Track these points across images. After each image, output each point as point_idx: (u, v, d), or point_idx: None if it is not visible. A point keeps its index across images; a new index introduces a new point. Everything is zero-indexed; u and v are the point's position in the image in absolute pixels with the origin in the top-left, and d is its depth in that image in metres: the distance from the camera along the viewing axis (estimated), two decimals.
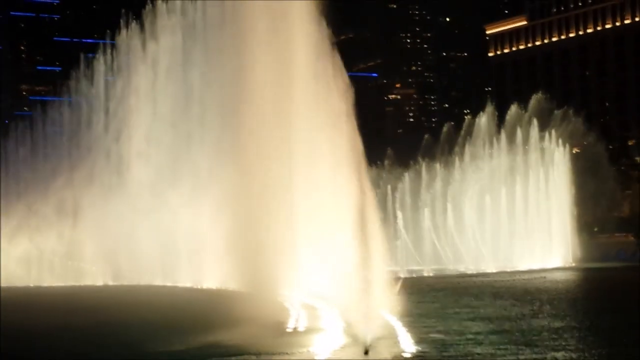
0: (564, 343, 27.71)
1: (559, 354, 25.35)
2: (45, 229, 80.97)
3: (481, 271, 76.25)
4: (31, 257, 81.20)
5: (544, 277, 64.35)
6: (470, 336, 29.27)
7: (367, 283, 27.70)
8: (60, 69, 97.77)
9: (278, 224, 29.15)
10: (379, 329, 27.38)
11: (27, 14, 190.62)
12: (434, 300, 32.27)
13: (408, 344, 26.80)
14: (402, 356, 25.61)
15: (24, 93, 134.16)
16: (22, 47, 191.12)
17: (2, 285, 69.97)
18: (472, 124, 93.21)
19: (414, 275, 67.31)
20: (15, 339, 32.86)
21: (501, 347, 26.72)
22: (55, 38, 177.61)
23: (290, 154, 29.28)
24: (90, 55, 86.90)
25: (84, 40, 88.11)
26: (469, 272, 75.76)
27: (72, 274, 78.25)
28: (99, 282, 72.41)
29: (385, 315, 27.56)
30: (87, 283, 73.93)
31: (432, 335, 28.45)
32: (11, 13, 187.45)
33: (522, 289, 53.19)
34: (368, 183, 27.75)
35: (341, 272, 27.67)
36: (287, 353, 25.56)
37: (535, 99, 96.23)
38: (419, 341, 27.30)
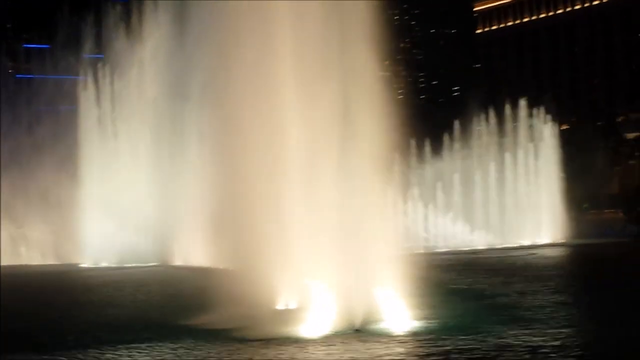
0: (562, 319, 27.46)
1: (557, 330, 25.08)
2: (32, 209, 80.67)
3: (470, 248, 76.13)
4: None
5: (534, 254, 64.28)
6: (466, 314, 28.98)
7: (359, 258, 27.40)
8: (48, 46, 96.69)
9: (267, 197, 28.63)
10: (371, 306, 27.02)
11: None
12: (428, 277, 32.08)
13: (401, 322, 26.46)
14: (393, 334, 25.32)
15: (10, 71, 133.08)
16: (8, 25, 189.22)
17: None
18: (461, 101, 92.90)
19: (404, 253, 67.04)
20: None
21: (498, 324, 26.41)
22: (43, 16, 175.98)
23: (281, 124, 28.72)
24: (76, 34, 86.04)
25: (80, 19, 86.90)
26: (459, 248, 75.63)
27: (61, 254, 77.87)
28: (87, 263, 71.83)
29: (379, 292, 27.18)
30: (71, 262, 73.32)
31: (425, 311, 28.12)
32: None
33: (514, 265, 53.12)
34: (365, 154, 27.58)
35: (334, 246, 27.31)
36: (276, 337, 25.21)
37: None
38: (412, 318, 26.97)
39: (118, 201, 72.16)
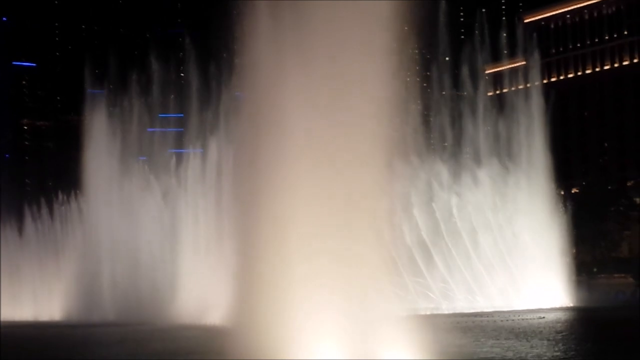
0: None
1: None
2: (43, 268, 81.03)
3: (477, 310, 75.58)
4: None
5: (543, 317, 63.77)
6: None
7: (366, 319, 27.22)
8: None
9: (273, 259, 28.56)
10: None
11: None
12: (438, 340, 31.59)
13: None
14: None
15: None
16: None
17: None
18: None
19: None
20: None
21: None
22: None
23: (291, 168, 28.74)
24: None
25: None
26: (465, 310, 75.11)
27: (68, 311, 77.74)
28: (95, 318, 71.75)
29: (388, 354, 27.06)
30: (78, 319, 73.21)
31: None
32: None
33: (523, 328, 52.70)
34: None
35: (340, 308, 27.22)
36: None
37: None
38: None
39: (128, 259, 72.40)
